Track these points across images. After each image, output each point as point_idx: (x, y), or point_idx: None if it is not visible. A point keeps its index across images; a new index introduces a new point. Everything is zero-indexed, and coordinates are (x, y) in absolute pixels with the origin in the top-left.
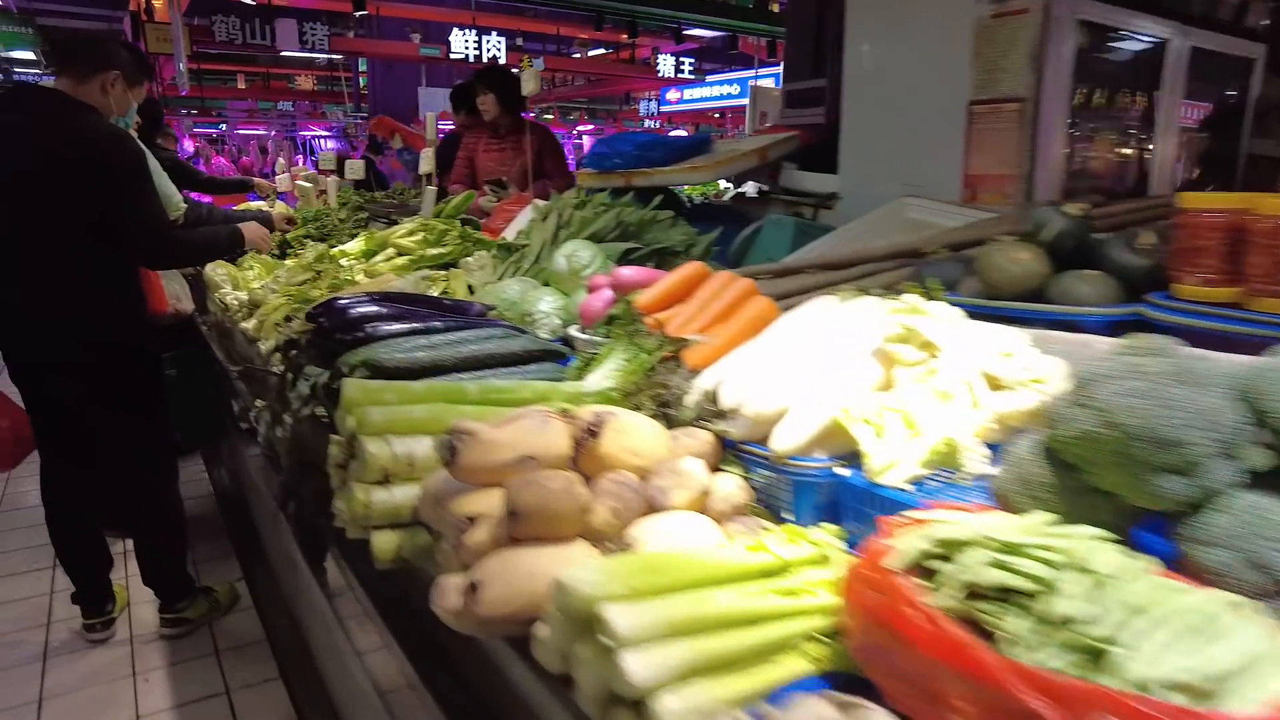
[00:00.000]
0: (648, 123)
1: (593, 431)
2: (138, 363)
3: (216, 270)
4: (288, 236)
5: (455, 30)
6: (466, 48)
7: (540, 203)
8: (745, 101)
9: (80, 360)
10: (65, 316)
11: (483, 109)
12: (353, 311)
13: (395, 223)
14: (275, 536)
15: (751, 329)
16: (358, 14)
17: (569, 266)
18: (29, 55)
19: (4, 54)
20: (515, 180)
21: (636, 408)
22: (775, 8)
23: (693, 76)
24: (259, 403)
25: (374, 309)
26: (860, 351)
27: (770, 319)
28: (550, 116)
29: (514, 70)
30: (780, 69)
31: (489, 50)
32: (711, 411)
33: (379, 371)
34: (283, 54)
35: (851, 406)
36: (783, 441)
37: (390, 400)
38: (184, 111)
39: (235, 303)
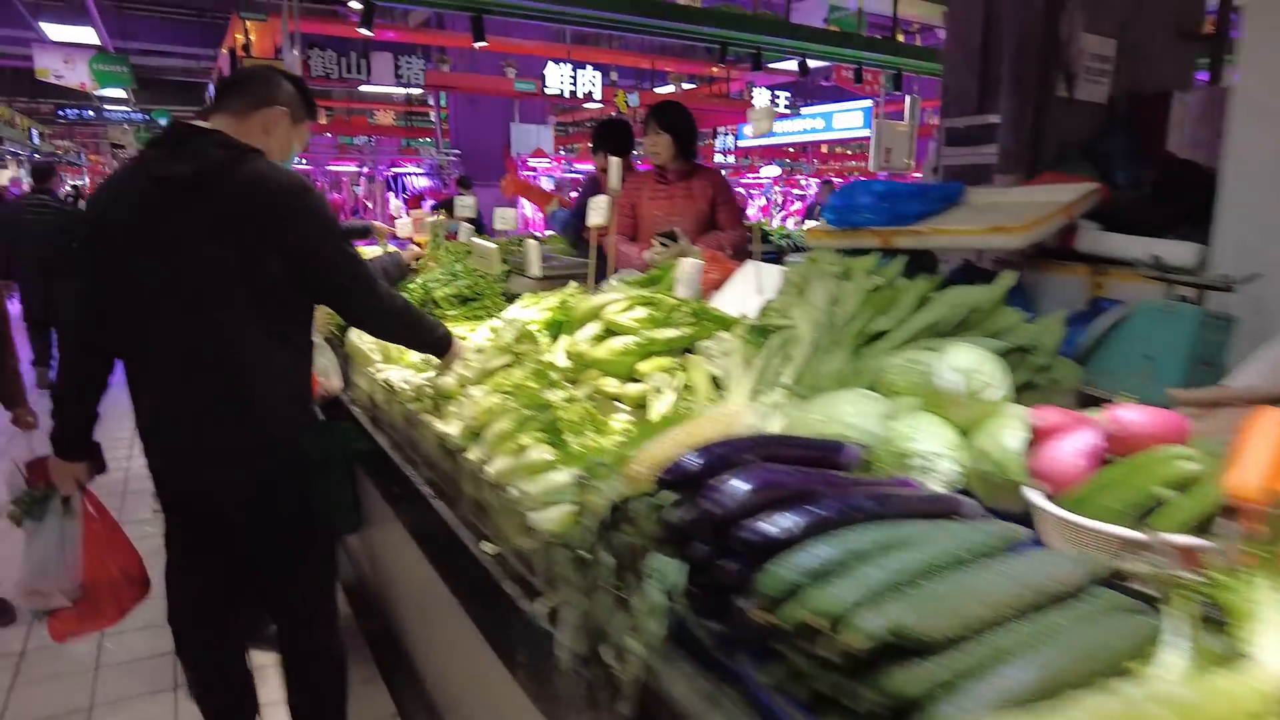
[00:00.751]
0: (718, 158)
1: None
2: (307, 469)
3: (362, 337)
4: (435, 296)
5: (550, 64)
6: (562, 83)
7: (773, 268)
8: (829, 136)
9: (248, 470)
10: (234, 417)
11: (652, 151)
12: (741, 487)
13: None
14: (439, 658)
15: None
16: (476, 45)
17: (969, 386)
18: (120, 93)
19: (98, 91)
20: (691, 232)
21: None
22: (900, 37)
23: (788, 110)
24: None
25: (769, 475)
26: None
27: None
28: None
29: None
30: (867, 103)
31: (584, 85)
32: None
33: (919, 647)
34: (360, 88)
35: None
36: None
37: None
38: None
39: (404, 387)
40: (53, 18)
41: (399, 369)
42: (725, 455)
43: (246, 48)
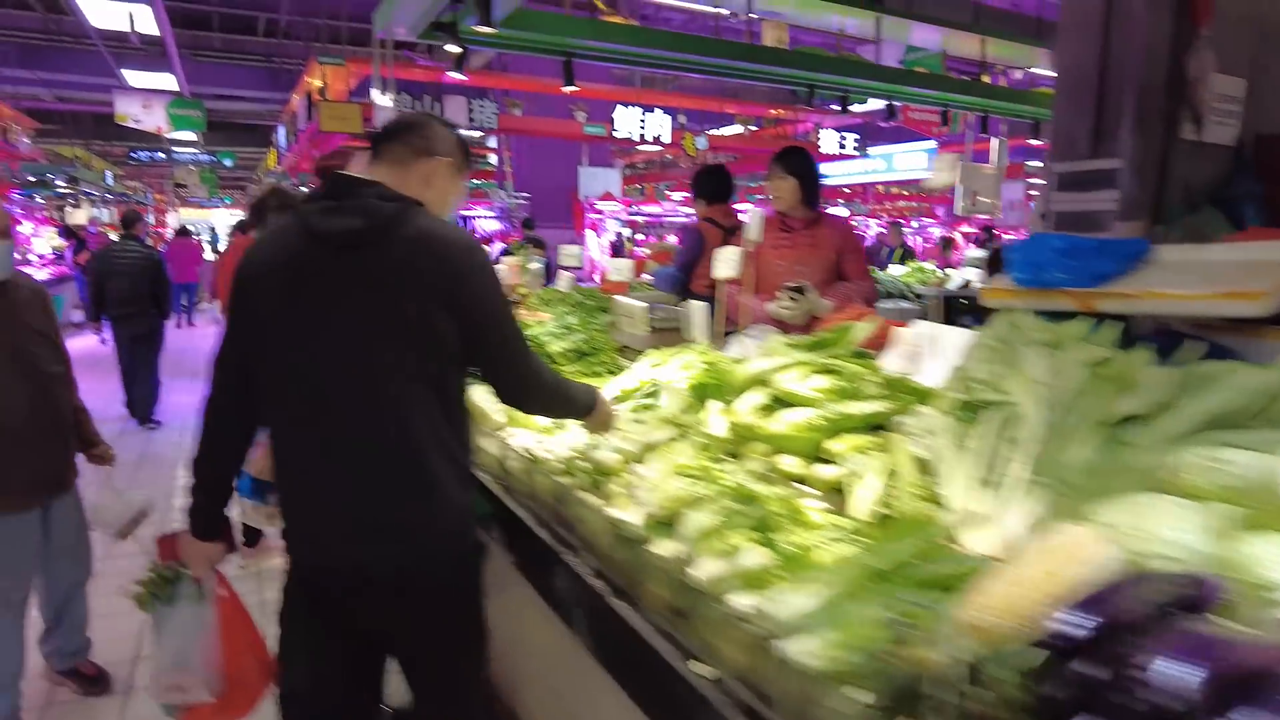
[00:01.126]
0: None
1: None
2: (475, 548)
3: (487, 398)
4: (550, 351)
5: (619, 107)
6: (631, 126)
7: (954, 330)
8: (891, 177)
9: (417, 551)
10: (400, 493)
11: (775, 197)
12: (1195, 675)
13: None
14: None
15: None
16: (565, 90)
17: None
18: (190, 136)
19: (172, 134)
20: (818, 283)
21: None
22: (986, 79)
23: (856, 152)
24: None
25: (1215, 651)
26: None
27: None
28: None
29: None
30: (930, 143)
31: (653, 128)
32: None
33: None
34: None
35: None
36: None
37: None
38: None
39: (548, 456)
40: (134, 65)
41: (530, 433)
42: (1119, 610)
43: (323, 91)
